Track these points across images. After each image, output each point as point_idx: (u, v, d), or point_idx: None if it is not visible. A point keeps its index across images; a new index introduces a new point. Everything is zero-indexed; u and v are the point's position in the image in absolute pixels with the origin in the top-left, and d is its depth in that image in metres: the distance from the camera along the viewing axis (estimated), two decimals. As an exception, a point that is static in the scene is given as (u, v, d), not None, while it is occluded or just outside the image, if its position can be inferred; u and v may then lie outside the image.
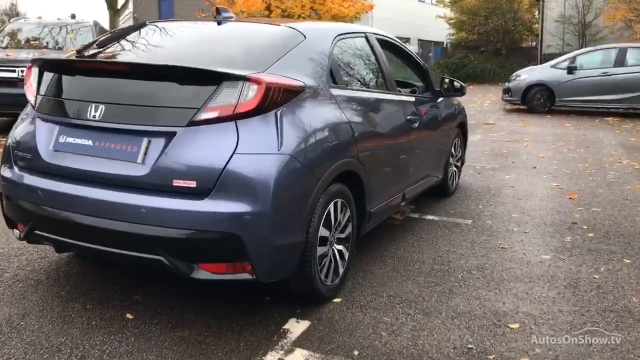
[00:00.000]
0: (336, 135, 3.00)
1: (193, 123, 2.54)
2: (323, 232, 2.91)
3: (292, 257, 2.72)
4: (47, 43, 9.60)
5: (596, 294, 3.26)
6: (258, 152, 2.55)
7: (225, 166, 2.48)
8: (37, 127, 2.88)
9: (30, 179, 2.81)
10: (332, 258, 3.06)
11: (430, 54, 29.76)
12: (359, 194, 3.26)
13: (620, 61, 12.28)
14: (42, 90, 2.95)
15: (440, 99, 4.82)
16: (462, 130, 5.56)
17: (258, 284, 2.70)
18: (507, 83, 13.93)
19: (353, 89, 3.46)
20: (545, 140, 9.10)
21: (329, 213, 2.94)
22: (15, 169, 2.91)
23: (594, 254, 3.90)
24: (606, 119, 11.96)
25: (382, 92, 3.84)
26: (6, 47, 9.33)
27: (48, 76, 2.97)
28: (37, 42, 9.55)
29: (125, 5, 19.99)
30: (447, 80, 4.93)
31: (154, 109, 2.63)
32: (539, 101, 12.86)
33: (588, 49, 14.52)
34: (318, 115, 2.92)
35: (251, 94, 2.55)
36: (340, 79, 3.31)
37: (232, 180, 2.49)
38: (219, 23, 3.43)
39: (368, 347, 2.64)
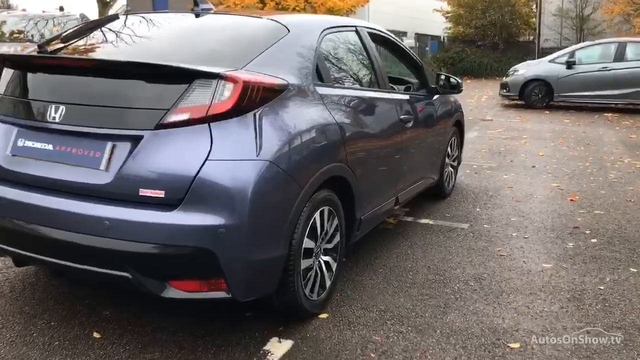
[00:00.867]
0: (322, 138, 2.76)
1: (162, 126, 2.29)
2: (308, 243, 2.67)
3: (272, 273, 2.49)
4: (31, 36, 9.33)
5: (602, 307, 3.04)
6: (234, 158, 2.31)
7: (196, 174, 2.24)
8: None
9: None
10: (318, 271, 2.83)
11: (427, 48, 29.49)
12: (348, 200, 3.02)
13: (620, 56, 12.07)
14: (1, 89, 2.70)
15: (436, 97, 4.57)
16: (459, 128, 5.30)
17: (235, 303, 2.46)
18: (504, 78, 13.74)
19: (342, 87, 3.21)
20: (544, 137, 8.88)
21: (314, 222, 2.70)
22: None
23: (598, 262, 3.68)
24: (605, 114, 11.75)
25: (374, 90, 3.59)
26: None
27: (7, 73, 2.72)
28: (20, 35, 9.27)
29: (114, -2, 19.66)
30: (442, 77, 4.66)
31: (119, 111, 2.38)
32: (537, 96, 12.64)
33: (587, 43, 14.28)
34: (302, 117, 2.67)
35: (227, 94, 2.31)
36: (327, 76, 3.06)
37: (205, 190, 2.24)
38: (197, 15, 3.18)
39: (355, 372, 2.41)
